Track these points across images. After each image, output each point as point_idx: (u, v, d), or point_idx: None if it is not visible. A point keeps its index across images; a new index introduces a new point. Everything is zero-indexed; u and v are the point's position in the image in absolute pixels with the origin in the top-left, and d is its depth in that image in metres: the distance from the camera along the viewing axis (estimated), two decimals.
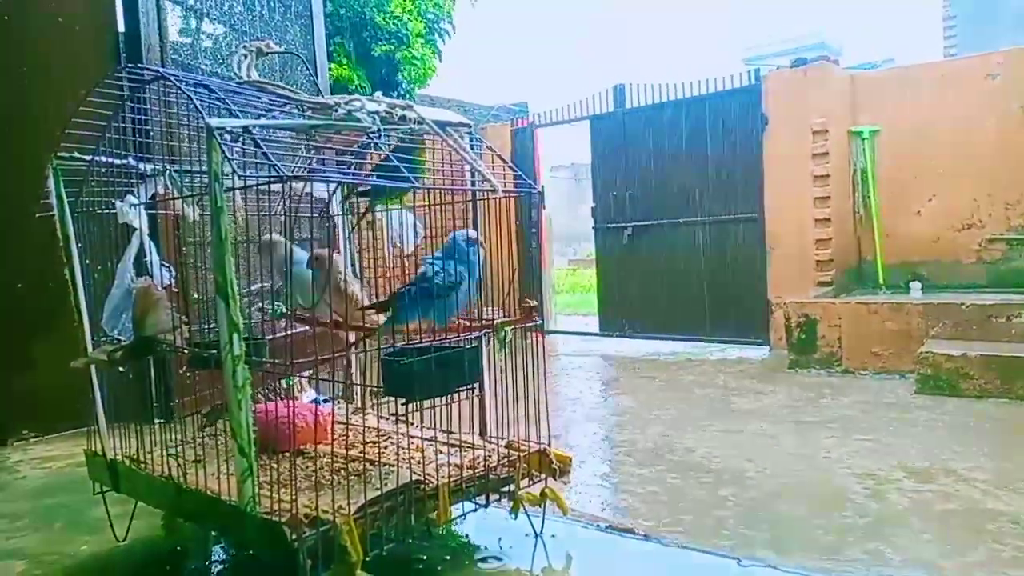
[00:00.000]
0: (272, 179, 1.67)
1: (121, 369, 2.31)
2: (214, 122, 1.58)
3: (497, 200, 2.24)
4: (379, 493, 1.79)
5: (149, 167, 2.33)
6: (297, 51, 5.20)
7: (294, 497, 1.71)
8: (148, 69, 2.03)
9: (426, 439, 2.24)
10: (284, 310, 2.42)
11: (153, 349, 2.20)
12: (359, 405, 2.81)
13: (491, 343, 2.22)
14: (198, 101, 1.69)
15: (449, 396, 2.09)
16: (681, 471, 3.55)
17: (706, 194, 7.33)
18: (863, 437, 4.08)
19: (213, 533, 2.54)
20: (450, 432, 2.32)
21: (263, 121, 1.74)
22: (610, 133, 8.00)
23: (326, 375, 2.60)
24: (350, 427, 2.42)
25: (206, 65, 4.59)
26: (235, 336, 1.64)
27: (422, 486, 1.90)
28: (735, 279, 7.15)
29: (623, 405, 5.21)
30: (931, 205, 6.53)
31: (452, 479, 1.99)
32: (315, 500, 1.76)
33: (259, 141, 1.61)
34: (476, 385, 2.19)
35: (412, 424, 2.41)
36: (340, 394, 2.83)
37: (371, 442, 2.35)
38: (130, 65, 1.98)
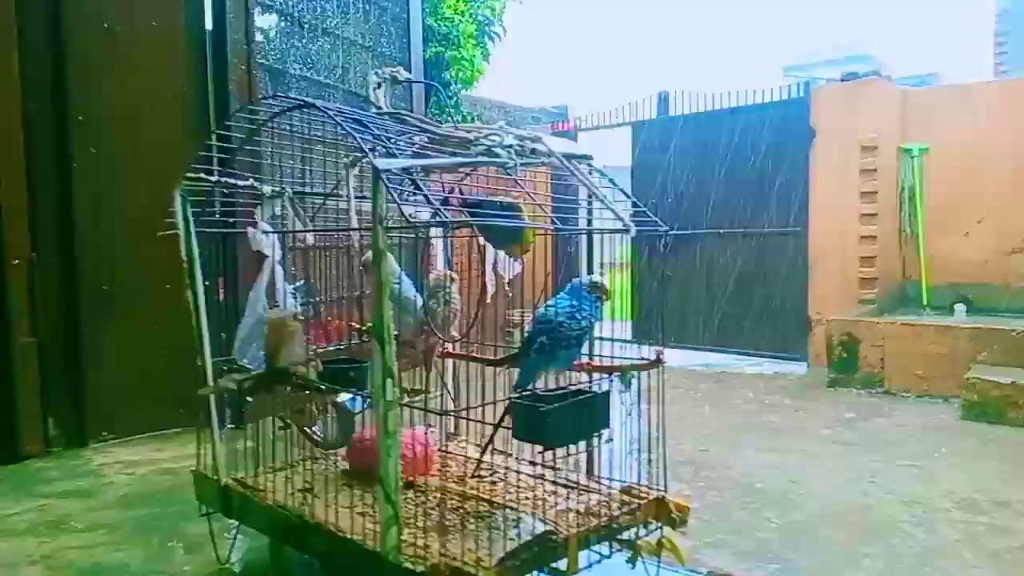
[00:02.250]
0: (436, 223, 1.63)
1: (249, 399, 2.28)
2: (380, 163, 1.54)
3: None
4: (517, 545, 1.79)
5: (268, 188, 2.33)
6: (392, 52, 5.13)
7: (429, 543, 1.71)
8: (290, 98, 1.98)
9: (534, 476, 2.19)
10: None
11: (284, 380, 2.16)
12: (452, 431, 2.80)
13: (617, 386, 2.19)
14: (360, 138, 1.65)
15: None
16: (720, 489, 3.52)
17: (748, 206, 7.26)
18: (908, 463, 4.02)
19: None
20: (555, 467, 2.27)
21: (423, 161, 1.71)
22: (652, 139, 7.96)
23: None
24: (450, 456, 2.35)
25: (295, 69, 4.55)
26: (389, 381, 1.62)
27: (554, 537, 1.88)
28: (774, 293, 7.08)
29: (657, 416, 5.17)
30: (980, 227, 6.42)
31: (580, 528, 1.95)
32: (445, 545, 1.76)
33: (419, 183, 1.59)
34: (606, 432, 2.13)
35: (511, 455, 2.36)
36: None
37: (478, 476, 2.34)
38: (279, 95, 1.97)
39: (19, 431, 3.71)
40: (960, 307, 6.24)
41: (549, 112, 10.02)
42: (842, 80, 6.85)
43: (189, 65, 4.27)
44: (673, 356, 7.71)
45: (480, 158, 1.84)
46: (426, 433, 2.50)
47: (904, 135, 6.77)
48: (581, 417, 1.94)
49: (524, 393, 2.02)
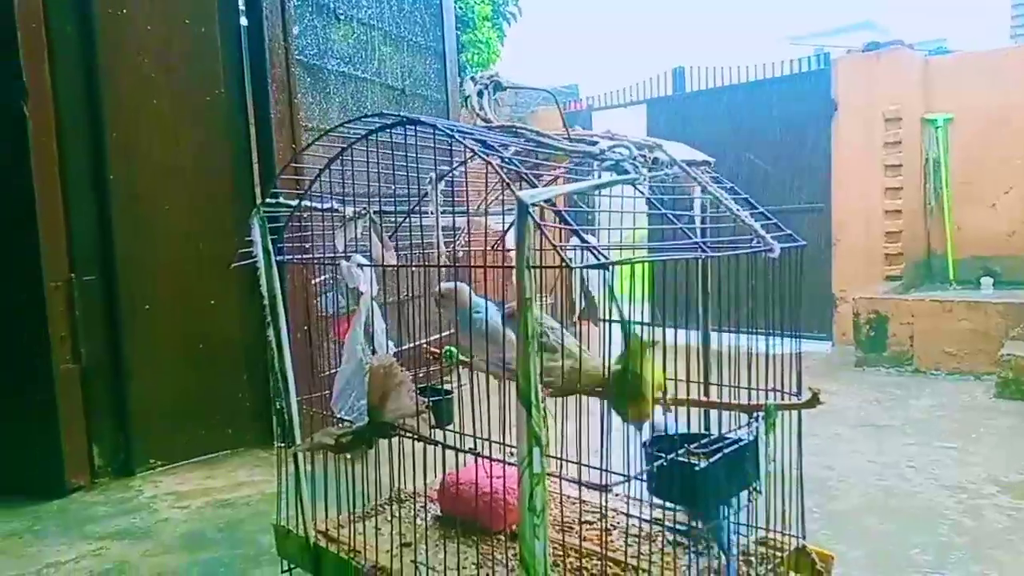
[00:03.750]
0: (593, 265, 1.38)
1: (348, 456, 2.03)
2: (525, 196, 1.32)
3: None
4: None
5: (350, 210, 2.08)
6: (427, 42, 4.91)
7: None
8: (392, 115, 1.71)
9: (646, 519, 1.97)
10: (461, 357, 2.24)
11: (387, 433, 1.93)
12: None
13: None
14: (495, 162, 1.44)
15: None
16: None
17: (768, 182, 7.17)
18: (946, 444, 4.01)
19: None
20: (664, 507, 2.01)
21: (567, 188, 1.53)
22: (668, 117, 7.84)
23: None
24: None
25: (333, 64, 4.34)
26: (536, 451, 1.40)
27: None
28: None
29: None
30: (1007, 197, 6.34)
31: None
32: None
33: (567, 217, 1.38)
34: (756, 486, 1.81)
35: (610, 491, 2.17)
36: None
37: (585, 522, 2.14)
38: (383, 113, 1.72)
39: (64, 463, 3.55)
40: (987, 280, 6.20)
41: (559, 91, 9.87)
42: (864, 50, 6.74)
43: (225, 65, 4.05)
44: (692, 335, 7.63)
45: (608, 176, 1.65)
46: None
47: (927, 105, 6.66)
48: (730, 471, 1.67)
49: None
